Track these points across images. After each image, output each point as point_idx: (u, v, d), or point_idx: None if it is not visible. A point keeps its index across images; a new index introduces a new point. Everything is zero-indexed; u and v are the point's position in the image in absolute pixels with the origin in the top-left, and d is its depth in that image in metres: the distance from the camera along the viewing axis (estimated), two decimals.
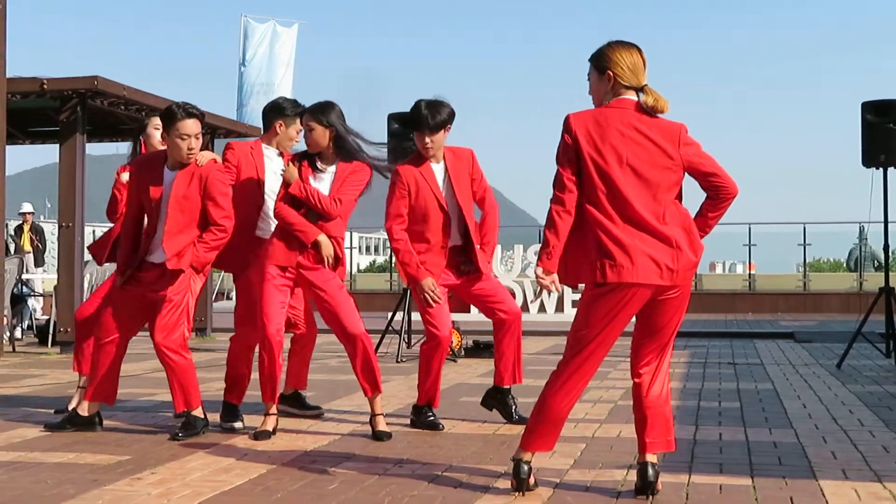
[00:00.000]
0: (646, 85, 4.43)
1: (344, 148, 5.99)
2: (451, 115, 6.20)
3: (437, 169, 6.25)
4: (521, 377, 6.45)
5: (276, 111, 6.51)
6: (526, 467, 4.50)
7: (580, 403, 7.40)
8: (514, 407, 6.47)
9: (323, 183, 6.00)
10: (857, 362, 10.60)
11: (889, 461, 5.23)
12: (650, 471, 4.42)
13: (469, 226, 6.28)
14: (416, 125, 6.18)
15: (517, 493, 4.47)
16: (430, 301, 6.09)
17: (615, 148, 4.32)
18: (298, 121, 6.35)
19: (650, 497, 4.41)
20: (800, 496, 4.43)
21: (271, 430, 5.95)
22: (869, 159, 10.54)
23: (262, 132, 6.67)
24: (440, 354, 6.22)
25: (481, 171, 6.45)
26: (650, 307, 4.41)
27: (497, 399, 6.51)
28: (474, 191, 6.36)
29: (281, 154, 6.48)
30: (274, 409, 6.03)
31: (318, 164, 6.02)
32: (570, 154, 4.37)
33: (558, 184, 4.38)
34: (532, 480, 4.52)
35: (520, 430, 6.18)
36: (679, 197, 4.46)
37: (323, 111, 5.99)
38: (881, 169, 10.55)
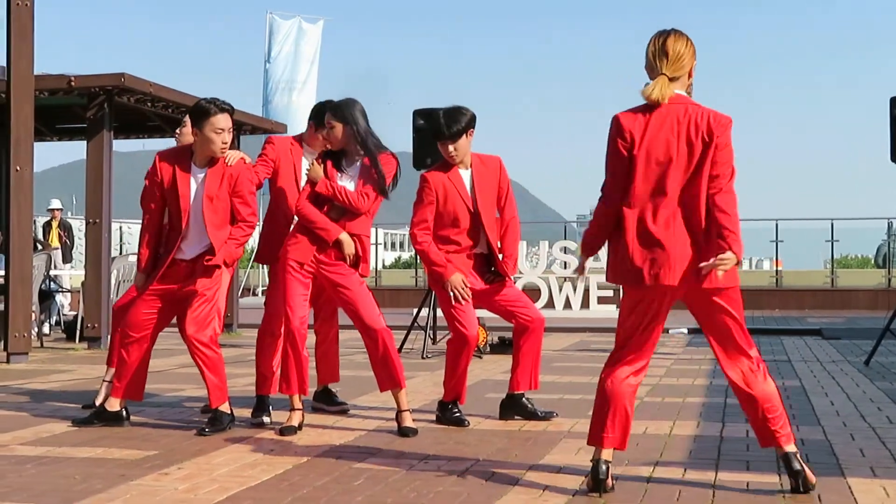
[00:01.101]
0: (660, 74, 4.40)
1: (366, 144, 6.00)
2: (471, 121, 6.22)
3: (465, 175, 6.28)
4: (537, 383, 6.46)
5: (312, 114, 6.58)
6: (604, 467, 4.42)
7: None
8: (532, 406, 6.47)
9: (348, 181, 6.01)
10: (886, 359, 10.52)
11: None
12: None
13: (490, 234, 6.29)
14: (437, 135, 6.22)
15: (593, 494, 4.41)
16: (460, 298, 6.10)
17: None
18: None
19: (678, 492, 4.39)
20: (828, 494, 4.40)
21: (297, 425, 5.96)
22: None
23: (286, 129, 6.71)
24: (467, 352, 6.22)
25: (509, 180, 6.47)
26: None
27: (513, 407, 6.50)
28: (498, 199, 6.39)
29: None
30: (299, 404, 6.04)
31: (343, 163, 6.04)
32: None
33: None
34: (610, 482, 4.44)
35: (545, 425, 6.20)
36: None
37: (343, 108, 6.00)
38: None
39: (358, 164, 6.04)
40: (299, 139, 6.60)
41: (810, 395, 7.76)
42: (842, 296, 22.47)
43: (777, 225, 23.57)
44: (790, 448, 4.42)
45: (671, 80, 4.37)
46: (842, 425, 6.26)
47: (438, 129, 6.19)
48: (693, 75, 4.46)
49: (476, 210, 6.24)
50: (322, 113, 6.24)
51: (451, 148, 6.18)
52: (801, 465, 4.39)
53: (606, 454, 4.42)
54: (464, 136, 6.18)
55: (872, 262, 27.09)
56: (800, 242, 24.93)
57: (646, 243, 4.30)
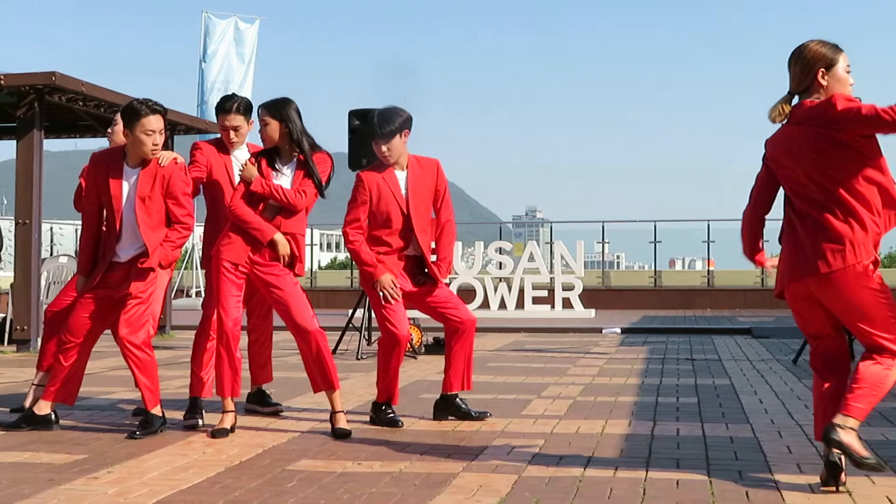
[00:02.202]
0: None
1: (301, 143, 5.99)
2: (405, 122, 6.23)
3: (401, 176, 6.29)
4: (470, 384, 6.48)
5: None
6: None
7: (539, 399, 7.44)
8: (465, 407, 6.49)
9: (283, 180, 5.99)
10: None
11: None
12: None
13: (420, 237, 6.30)
14: (372, 135, 6.24)
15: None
16: (389, 298, 6.11)
17: None
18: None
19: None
20: (755, 491, 4.47)
21: (229, 427, 5.93)
22: None
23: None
24: (398, 352, 6.23)
25: (446, 182, 6.50)
26: None
27: (447, 407, 6.51)
28: (435, 201, 6.41)
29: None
30: (231, 406, 6.00)
31: (277, 162, 6.02)
32: None
33: None
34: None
35: (479, 425, 6.23)
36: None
37: (278, 106, 5.99)
38: None
39: (293, 162, 6.03)
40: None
41: (740, 393, 7.88)
42: (772, 295, 22.75)
43: (709, 225, 23.90)
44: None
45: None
46: (770, 423, 6.37)
47: (373, 130, 6.21)
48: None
49: (408, 212, 6.25)
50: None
51: (384, 148, 6.19)
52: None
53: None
54: (398, 136, 6.19)
55: None
56: (731, 243, 25.24)
57: None
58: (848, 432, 4.28)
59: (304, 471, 4.92)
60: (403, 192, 6.25)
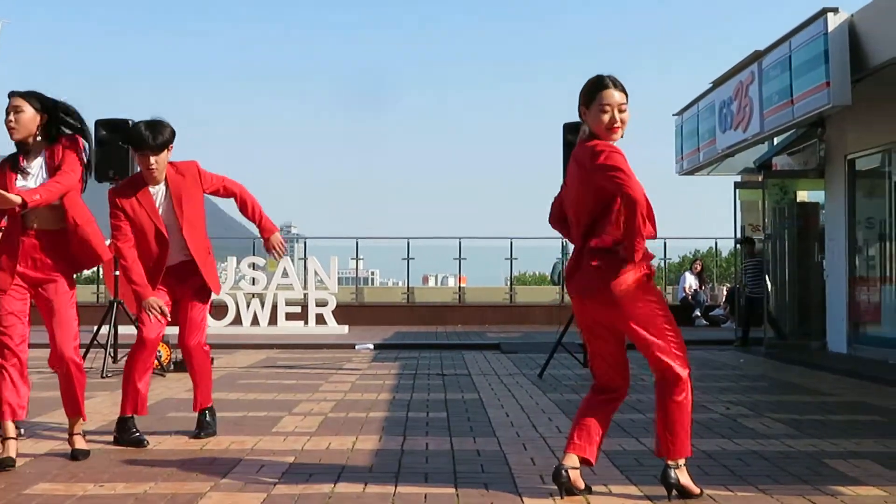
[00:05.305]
0: None
1: (57, 124, 5.67)
2: (173, 134, 6.10)
3: (156, 191, 6.12)
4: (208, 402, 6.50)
5: None
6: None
7: (290, 416, 7.39)
8: (207, 422, 6.45)
9: (31, 178, 5.60)
10: (558, 371, 11.09)
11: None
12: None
13: (190, 243, 6.17)
14: (138, 146, 6.02)
15: None
16: (159, 317, 6.00)
17: None
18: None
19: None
20: (499, 502, 4.58)
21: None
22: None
23: None
24: (143, 355, 6.09)
25: (210, 174, 6.34)
26: None
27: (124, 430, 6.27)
28: (214, 189, 6.28)
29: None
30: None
31: (22, 164, 5.65)
32: None
33: None
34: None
35: (228, 443, 6.12)
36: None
37: (40, 95, 5.64)
38: None
39: (41, 158, 5.62)
40: None
41: (487, 407, 8.06)
42: (520, 311, 23.49)
43: (460, 243, 24.37)
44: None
45: None
46: (515, 436, 6.55)
47: (141, 140, 5.99)
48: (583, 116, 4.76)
49: (171, 226, 6.13)
50: None
51: (152, 161, 6.02)
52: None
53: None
54: (166, 149, 6.07)
55: (549, 278, 28.50)
56: (482, 260, 25.90)
57: None
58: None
59: (42, 495, 4.71)
60: (161, 208, 6.15)
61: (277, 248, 6.48)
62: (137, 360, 6.16)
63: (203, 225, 6.33)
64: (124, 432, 6.14)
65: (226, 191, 6.39)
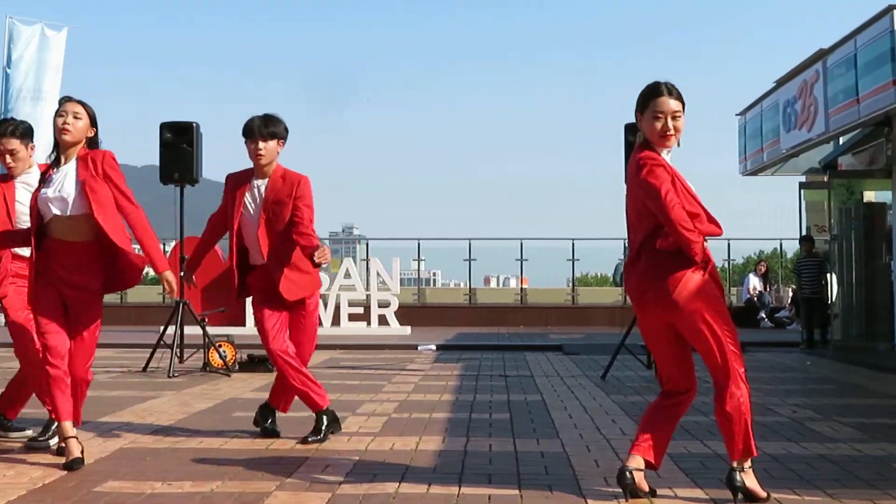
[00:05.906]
0: None
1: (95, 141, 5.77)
2: (286, 130, 6.28)
3: (258, 185, 6.30)
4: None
5: None
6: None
7: (354, 416, 7.43)
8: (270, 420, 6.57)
9: (62, 175, 5.62)
10: (621, 373, 11.04)
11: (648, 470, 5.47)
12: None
13: (263, 248, 6.25)
14: (248, 132, 6.19)
15: None
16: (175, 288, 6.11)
17: None
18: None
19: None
20: None
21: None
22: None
23: None
24: (283, 365, 6.28)
25: (310, 196, 6.35)
26: None
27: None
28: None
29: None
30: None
31: (47, 174, 5.68)
32: None
33: None
34: None
35: (293, 443, 6.17)
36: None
37: (90, 108, 5.74)
38: None
39: (74, 158, 5.67)
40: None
41: (550, 409, 8.05)
42: (582, 312, 23.41)
43: (522, 244, 24.37)
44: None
45: None
46: (578, 437, 6.53)
47: (251, 126, 6.18)
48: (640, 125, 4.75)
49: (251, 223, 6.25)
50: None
51: (260, 145, 6.16)
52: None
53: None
54: (275, 141, 6.21)
55: (611, 280, 28.37)
56: (544, 261, 25.85)
57: None
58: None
59: (111, 492, 4.78)
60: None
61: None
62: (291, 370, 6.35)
63: (288, 233, 6.17)
64: (263, 419, 6.55)
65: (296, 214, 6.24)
